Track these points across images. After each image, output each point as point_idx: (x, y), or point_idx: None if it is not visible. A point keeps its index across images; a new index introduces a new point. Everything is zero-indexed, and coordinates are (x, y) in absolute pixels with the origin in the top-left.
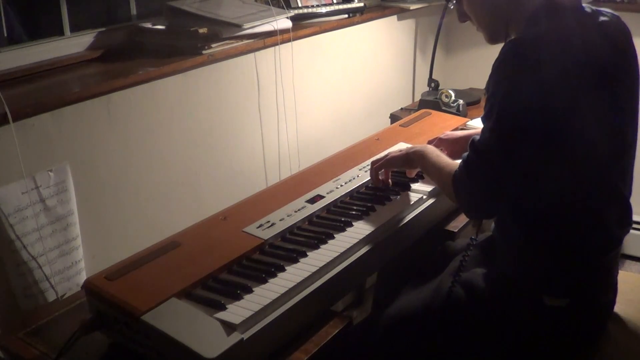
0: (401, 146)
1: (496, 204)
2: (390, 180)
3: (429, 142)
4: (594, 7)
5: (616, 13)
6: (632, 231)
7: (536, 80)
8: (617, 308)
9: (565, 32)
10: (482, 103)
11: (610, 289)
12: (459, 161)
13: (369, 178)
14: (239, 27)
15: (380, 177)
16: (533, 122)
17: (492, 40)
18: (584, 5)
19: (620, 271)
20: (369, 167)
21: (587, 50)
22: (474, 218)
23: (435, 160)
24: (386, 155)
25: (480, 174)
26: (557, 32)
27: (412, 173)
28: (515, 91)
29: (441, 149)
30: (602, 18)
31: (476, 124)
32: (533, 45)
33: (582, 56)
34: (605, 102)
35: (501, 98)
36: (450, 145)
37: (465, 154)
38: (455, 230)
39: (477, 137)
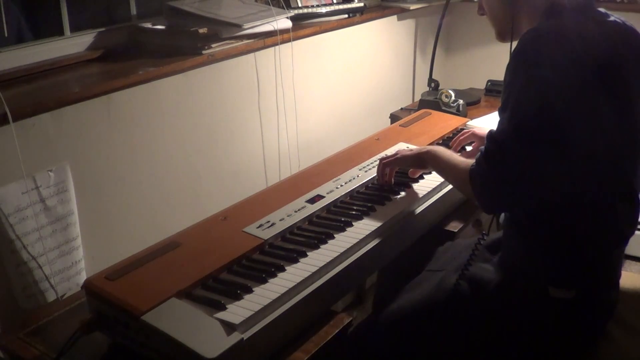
0: (401, 146)
1: (513, 196)
2: (392, 180)
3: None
4: (604, 9)
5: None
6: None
7: (553, 71)
8: (617, 308)
9: (582, 26)
10: (482, 103)
11: (613, 288)
12: (472, 160)
13: (369, 178)
14: (239, 27)
15: (385, 175)
16: (548, 113)
17: (500, 36)
18: (598, 9)
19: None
20: (376, 164)
21: (604, 46)
22: (490, 212)
23: (448, 158)
24: (396, 154)
25: (500, 164)
26: (575, 26)
27: (416, 174)
28: (532, 81)
29: (472, 142)
30: (613, 18)
31: (476, 124)
32: (551, 36)
33: (599, 52)
34: (617, 98)
35: (518, 88)
36: (481, 140)
37: (482, 147)
38: (455, 230)
39: (494, 130)
